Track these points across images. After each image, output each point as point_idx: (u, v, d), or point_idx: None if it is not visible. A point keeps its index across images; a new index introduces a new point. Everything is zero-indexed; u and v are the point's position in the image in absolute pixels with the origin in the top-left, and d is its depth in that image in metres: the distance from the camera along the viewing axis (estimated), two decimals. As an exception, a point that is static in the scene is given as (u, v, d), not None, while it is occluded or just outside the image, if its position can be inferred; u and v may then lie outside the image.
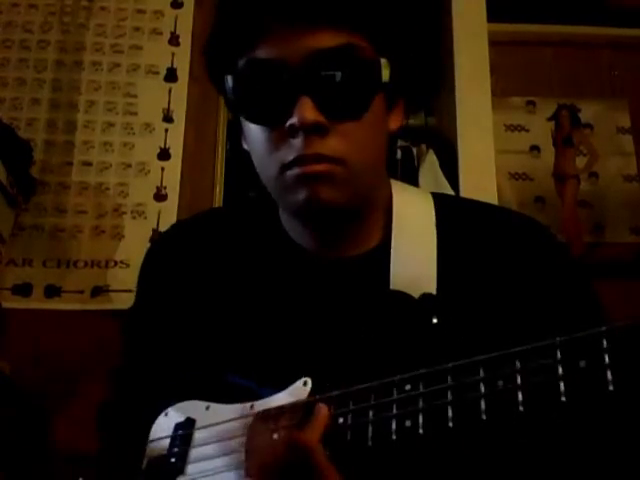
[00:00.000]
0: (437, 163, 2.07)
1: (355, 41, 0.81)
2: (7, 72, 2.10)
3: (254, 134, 0.85)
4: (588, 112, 2.19)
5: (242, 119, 0.88)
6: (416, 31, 0.89)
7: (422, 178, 2.05)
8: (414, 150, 2.13)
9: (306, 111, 0.78)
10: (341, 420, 0.72)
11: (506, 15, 2.19)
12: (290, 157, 0.81)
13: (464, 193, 1.97)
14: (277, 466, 0.72)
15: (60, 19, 2.15)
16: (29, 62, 2.11)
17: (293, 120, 0.79)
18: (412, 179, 2.02)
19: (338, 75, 0.79)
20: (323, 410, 0.73)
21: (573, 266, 0.92)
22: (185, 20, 2.18)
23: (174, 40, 2.16)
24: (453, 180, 2.02)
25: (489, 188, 2.00)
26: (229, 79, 0.85)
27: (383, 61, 0.82)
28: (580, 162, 2.16)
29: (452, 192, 1.97)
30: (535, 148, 2.17)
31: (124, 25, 2.16)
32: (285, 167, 0.82)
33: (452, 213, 0.91)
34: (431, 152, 2.10)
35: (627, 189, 2.14)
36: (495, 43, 2.15)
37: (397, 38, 0.86)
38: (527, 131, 2.18)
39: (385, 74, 0.82)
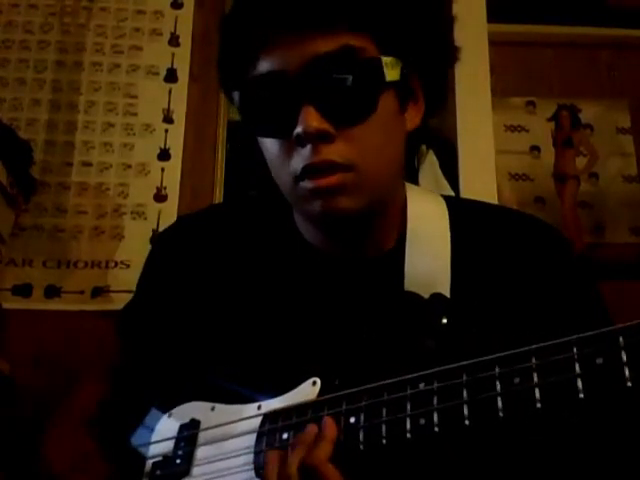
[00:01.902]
0: (437, 163, 2.07)
1: (354, 42, 0.80)
2: (7, 72, 2.09)
3: (267, 147, 0.86)
4: (588, 112, 2.19)
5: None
6: (423, 25, 0.85)
7: (422, 178, 2.05)
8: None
9: (310, 120, 0.78)
10: (353, 419, 0.72)
11: (506, 15, 2.19)
12: (300, 167, 0.81)
13: (464, 193, 1.97)
14: None
15: (60, 19, 2.15)
16: (29, 62, 2.11)
17: (298, 130, 0.78)
18: (412, 179, 2.01)
19: (338, 79, 0.79)
20: (330, 426, 0.72)
21: (582, 267, 0.92)
22: (185, 21, 2.17)
23: (174, 41, 2.16)
24: (453, 180, 2.02)
25: (489, 188, 2.00)
26: (236, 96, 0.85)
27: (388, 59, 0.81)
28: (580, 163, 2.16)
29: (452, 192, 1.97)
30: (535, 148, 2.17)
31: (124, 26, 2.16)
32: (298, 178, 0.82)
33: (465, 215, 0.92)
34: (431, 152, 2.10)
35: (627, 189, 2.14)
36: (495, 43, 2.14)
37: (401, 34, 0.83)
38: (527, 131, 2.18)
39: (391, 73, 0.81)
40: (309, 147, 0.79)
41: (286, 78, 0.79)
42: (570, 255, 0.92)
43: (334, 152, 0.79)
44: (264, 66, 0.81)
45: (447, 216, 0.91)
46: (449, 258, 0.86)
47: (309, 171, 0.80)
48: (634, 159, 2.16)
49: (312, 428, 0.73)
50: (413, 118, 0.88)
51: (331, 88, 0.79)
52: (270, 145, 0.84)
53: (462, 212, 0.92)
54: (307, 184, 0.81)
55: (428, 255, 0.87)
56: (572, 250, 0.94)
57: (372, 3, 0.81)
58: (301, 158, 0.80)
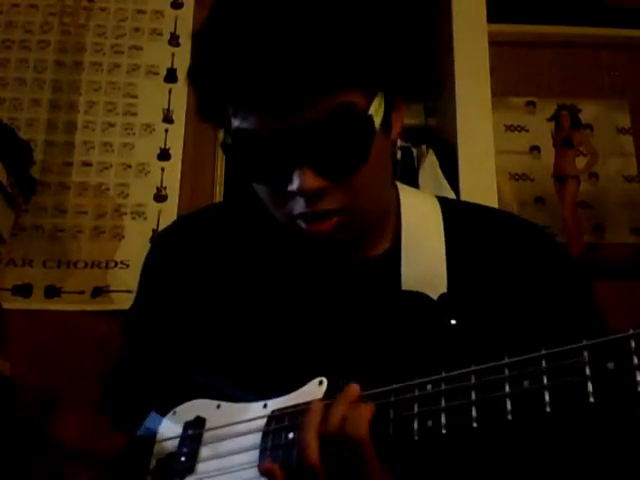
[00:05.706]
0: (437, 163, 2.07)
1: (344, 99, 0.76)
2: (7, 72, 2.10)
3: (257, 186, 0.84)
4: (588, 112, 2.19)
5: None
6: (409, 55, 0.81)
7: (422, 179, 2.05)
8: (414, 150, 2.13)
9: (305, 181, 0.77)
10: None
11: (506, 15, 2.19)
12: (295, 212, 0.80)
13: (464, 193, 1.97)
14: (324, 462, 0.70)
15: (60, 20, 2.15)
16: (29, 62, 2.11)
17: (293, 187, 0.77)
18: (412, 179, 2.01)
19: (331, 140, 0.76)
20: (368, 404, 0.72)
21: (572, 267, 0.93)
22: (185, 20, 2.18)
23: (174, 41, 2.16)
24: (453, 180, 2.02)
25: (489, 188, 2.00)
26: (222, 133, 0.83)
27: (375, 106, 0.78)
28: (580, 163, 2.16)
29: (452, 192, 1.97)
30: (535, 148, 2.17)
31: (124, 26, 2.16)
32: (292, 217, 0.81)
33: (458, 215, 0.92)
34: (431, 152, 2.10)
35: (627, 189, 2.14)
36: (495, 43, 2.15)
37: (389, 74, 0.80)
38: (527, 131, 2.18)
39: (378, 117, 0.78)
40: (304, 199, 0.79)
41: (276, 138, 0.76)
42: (562, 257, 0.92)
43: (329, 201, 0.79)
44: (249, 122, 0.77)
45: (441, 216, 0.91)
46: (444, 258, 0.87)
47: (305, 217, 0.81)
48: (634, 159, 2.16)
49: (355, 389, 0.73)
50: (396, 126, 0.86)
51: (325, 148, 0.77)
52: (262, 188, 0.84)
53: (456, 213, 0.92)
54: (302, 225, 0.81)
55: (424, 255, 0.87)
56: (564, 252, 0.95)
57: (359, 58, 0.76)
58: (296, 205, 0.80)
